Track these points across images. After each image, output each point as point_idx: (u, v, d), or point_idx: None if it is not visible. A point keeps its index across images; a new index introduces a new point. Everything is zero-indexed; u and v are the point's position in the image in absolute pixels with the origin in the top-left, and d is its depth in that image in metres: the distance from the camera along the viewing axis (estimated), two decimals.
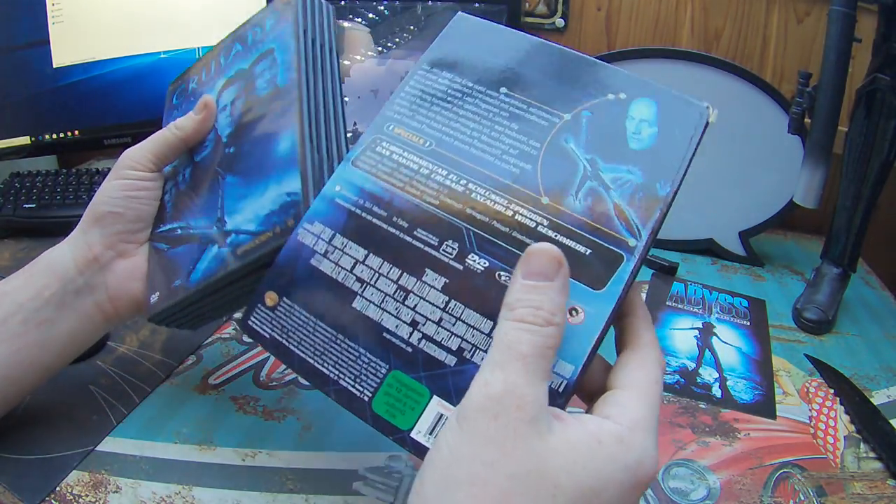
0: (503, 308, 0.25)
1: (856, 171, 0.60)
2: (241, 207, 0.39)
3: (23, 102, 0.81)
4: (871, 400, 0.51)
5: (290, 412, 0.47)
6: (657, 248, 0.75)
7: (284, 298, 0.31)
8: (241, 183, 0.39)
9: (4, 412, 0.41)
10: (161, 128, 0.45)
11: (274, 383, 0.50)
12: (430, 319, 0.28)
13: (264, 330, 0.31)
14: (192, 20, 0.84)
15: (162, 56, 0.84)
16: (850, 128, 0.60)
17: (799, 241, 0.81)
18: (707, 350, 0.57)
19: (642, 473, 0.24)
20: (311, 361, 0.30)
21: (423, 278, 0.29)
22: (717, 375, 0.54)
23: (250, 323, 0.32)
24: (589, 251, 0.28)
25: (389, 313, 0.29)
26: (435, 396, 0.26)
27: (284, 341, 0.31)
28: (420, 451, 0.27)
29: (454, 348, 0.28)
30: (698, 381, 0.53)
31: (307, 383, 0.39)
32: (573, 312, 0.27)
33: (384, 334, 0.29)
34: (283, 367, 0.50)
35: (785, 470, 0.44)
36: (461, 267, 0.29)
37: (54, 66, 0.80)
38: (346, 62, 0.84)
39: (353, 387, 0.29)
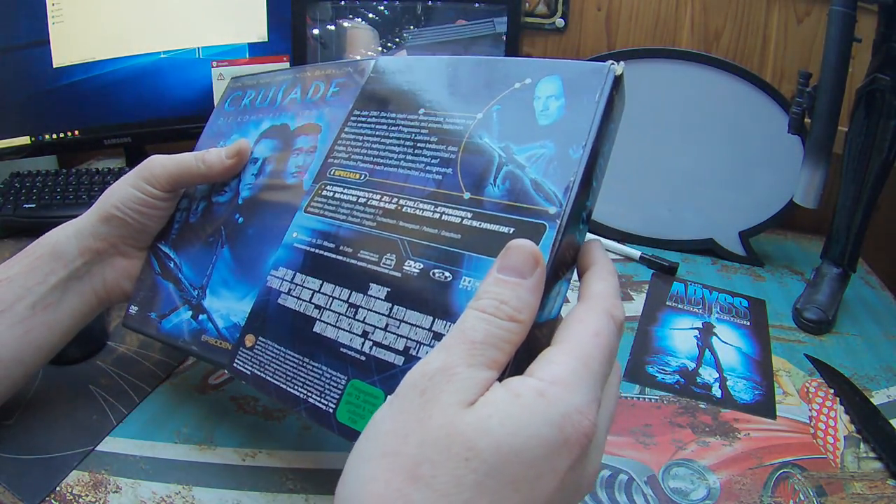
0: (473, 298, 0.25)
1: (856, 171, 0.60)
2: (222, 293, 0.40)
3: (23, 102, 0.81)
4: (871, 400, 0.51)
5: (289, 412, 0.47)
6: (657, 248, 0.75)
7: (260, 337, 0.35)
8: (232, 268, 0.40)
9: (12, 393, 0.42)
10: (209, 121, 0.46)
11: None
12: (377, 327, 0.30)
13: (246, 368, 0.35)
14: (192, 20, 0.84)
15: (162, 56, 0.84)
16: (850, 128, 0.60)
17: (799, 241, 0.81)
18: (707, 350, 0.57)
19: (571, 430, 0.22)
20: (284, 387, 0.32)
21: (369, 292, 0.31)
22: (717, 375, 0.54)
23: (235, 366, 0.35)
24: (512, 229, 0.29)
25: (344, 330, 0.31)
26: (388, 396, 0.27)
27: (262, 374, 0.34)
28: None
29: (401, 349, 0.29)
30: (698, 381, 0.53)
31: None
32: None
33: (341, 349, 0.31)
34: None
35: (785, 470, 0.44)
36: (399, 274, 0.31)
37: (54, 66, 0.80)
38: None
39: (320, 402, 0.31)
